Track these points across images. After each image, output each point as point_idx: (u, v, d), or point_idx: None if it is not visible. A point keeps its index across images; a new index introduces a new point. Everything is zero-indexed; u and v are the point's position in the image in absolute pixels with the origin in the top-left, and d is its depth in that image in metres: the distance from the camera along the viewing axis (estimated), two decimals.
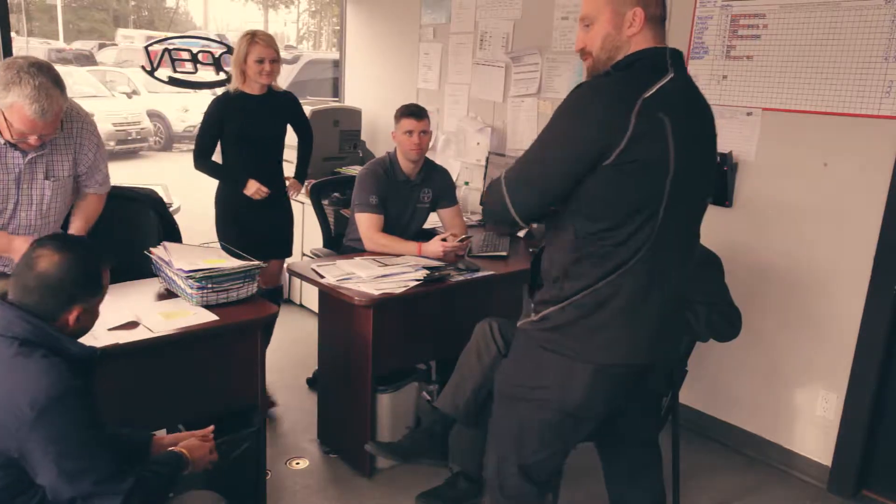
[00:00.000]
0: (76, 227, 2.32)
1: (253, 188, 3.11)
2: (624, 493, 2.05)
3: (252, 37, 3.03)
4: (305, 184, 3.50)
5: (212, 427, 1.85)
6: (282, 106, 3.20)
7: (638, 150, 1.46)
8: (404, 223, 3.19)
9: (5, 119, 2.00)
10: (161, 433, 1.88)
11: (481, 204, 3.81)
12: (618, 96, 1.50)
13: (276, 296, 3.44)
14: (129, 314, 2.13)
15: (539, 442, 1.73)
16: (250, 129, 3.09)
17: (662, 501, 2.08)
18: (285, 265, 3.22)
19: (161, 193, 3.84)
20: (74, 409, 1.43)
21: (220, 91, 3.43)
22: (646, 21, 1.55)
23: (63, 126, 2.19)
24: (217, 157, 3.21)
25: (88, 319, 1.61)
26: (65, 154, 2.25)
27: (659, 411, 2.23)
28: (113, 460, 1.47)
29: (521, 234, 3.50)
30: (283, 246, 3.34)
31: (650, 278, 1.58)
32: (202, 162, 3.13)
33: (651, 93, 1.47)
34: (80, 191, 2.39)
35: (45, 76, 1.97)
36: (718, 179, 2.96)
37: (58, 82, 2.01)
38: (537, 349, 1.67)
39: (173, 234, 2.85)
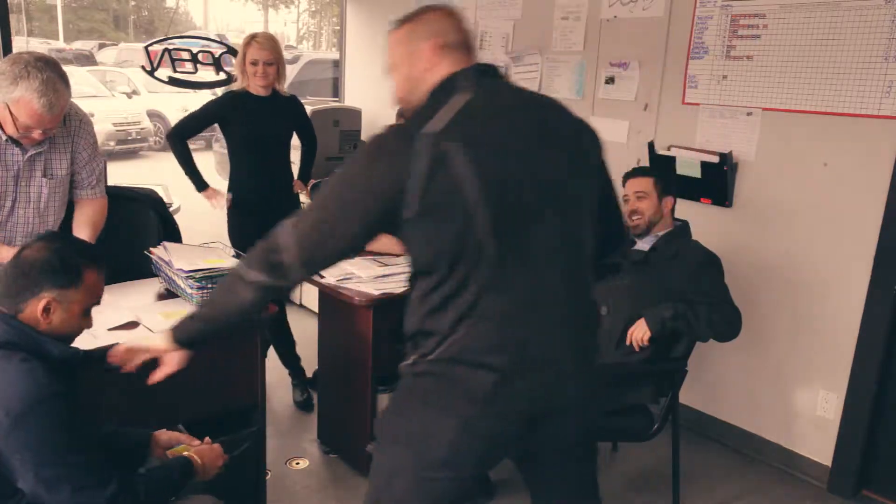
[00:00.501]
0: (84, 234, 2.29)
1: (212, 197, 3.15)
2: None
3: (251, 38, 3.05)
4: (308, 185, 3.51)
5: (206, 439, 1.81)
6: (284, 109, 3.20)
7: (432, 189, 1.29)
8: None
9: (11, 113, 1.99)
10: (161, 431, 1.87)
11: None
12: (396, 140, 1.36)
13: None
14: (130, 314, 2.13)
15: (407, 496, 1.48)
16: (252, 129, 3.09)
17: None
18: None
19: (161, 193, 3.85)
20: (52, 416, 1.40)
21: (220, 91, 3.44)
22: (439, 50, 1.48)
23: (63, 122, 2.19)
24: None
25: (60, 318, 1.51)
26: (63, 152, 2.25)
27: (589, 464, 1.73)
28: (94, 467, 1.44)
29: None
30: None
31: (514, 318, 1.37)
32: (178, 141, 3.13)
33: (430, 125, 1.32)
34: (77, 199, 2.36)
35: (51, 71, 1.98)
36: (718, 179, 2.97)
37: (63, 77, 2.02)
38: (408, 394, 1.49)
39: (173, 234, 2.85)
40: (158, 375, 1.65)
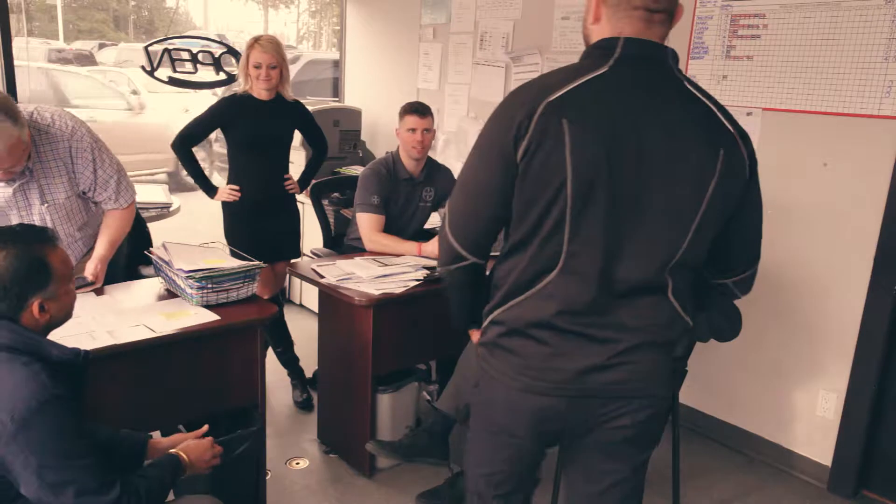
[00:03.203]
0: (102, 248, 2.29)
1: (224, 195, 3.14)
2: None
3: (254, 41, 3.02)
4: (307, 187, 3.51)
5: (206, 427, 1.82)
6: (288, 113, 3.19)
7: (533, 157, 1.33)
8: (405, 222, 3.19)
9: None
10: (156, 435, 1.86)
11: None
12: (524, 99, 1.36)
13: (277, 296, 3.45)
14: (131, 315, 2.13)
15: (481, 454, 1.62)
16: (254, 133, 3.08)
17: None
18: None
19: (161, 193, 3.85)
20: (56, 420, 1.40)
21: (220, 91, 3.44)
22: (606, 9, 1.39)
23: (44, 148, 2.15)
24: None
25: (57, 307, 1.53)
26: (57, 176, 2.21)
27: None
28: (97, 471, 1.43)
29: None
30: (292, 248, 3.35)
31: (569, 302, 1.38)
32: (184, 148, 3.11)
33: (557, 95, 1.33)
34: (104, 211, 2.37)
35: None
36: None
37: (9, 113, 1.95)
38: (479, 360, 1.56)
39: (142, 237, 2.85)
40: None
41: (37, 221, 2.22)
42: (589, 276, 1.36)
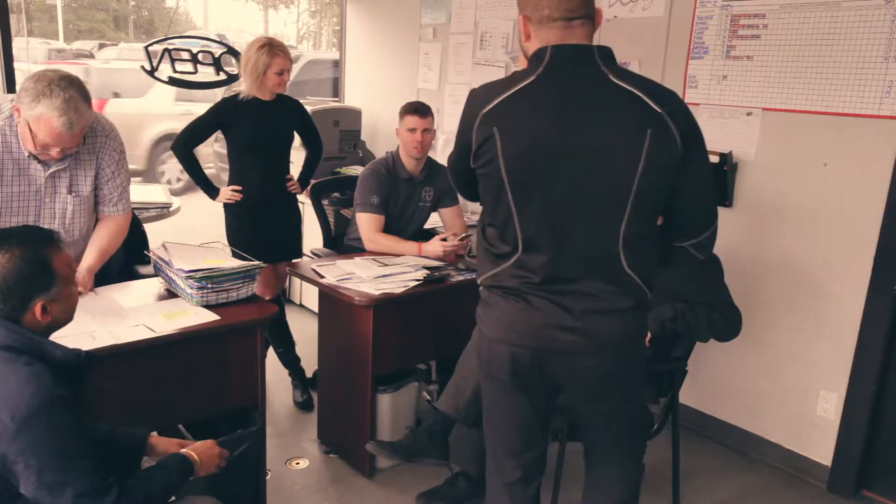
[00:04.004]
0: (90, 257, 2.27)
1: (226, 195, 3.13)
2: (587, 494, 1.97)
3: (271, 48, 3.00)
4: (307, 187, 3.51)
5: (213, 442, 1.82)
6: (288, 113, 3.20)
7: (481, 161, 1.61)
8: (405, 222, 3.19)
9: (30, 130, 2.00)
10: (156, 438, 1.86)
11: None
12: (469, 110, 1.63)
13: (279, 296, 3.45)
14: (132, 316, 2.14)
15: (494, 411, 1.84)
16: (256, 133, 3.08)
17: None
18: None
19: (161, 193, 3.86)
20: (56, 421, 1.40)
21: (220, 91, 3.43)
22: (534, 26, 1.61)
23: (86, 140, 2.18)
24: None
25: (59, 309, 1.54)
26: (87, 168, 2.24)
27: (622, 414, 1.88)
28: (96, 472, 1.43)
29: None
30: (293, 248, 3.35)
31: (528, 275, 1.63)
32: (185, 150, 3.10)
33: (491, 106, 1.58)
34: (99, 215, 2.35)
35: (74, 90, 1.98)
36: (718, 179, 2.97)
37: (86, 97, 2.02)
38: (477, 325, 1.82)
39: (138, 236, 2.84)
40: None
41: (58, 212, 2.21)
42: (546, 254, 1.60)
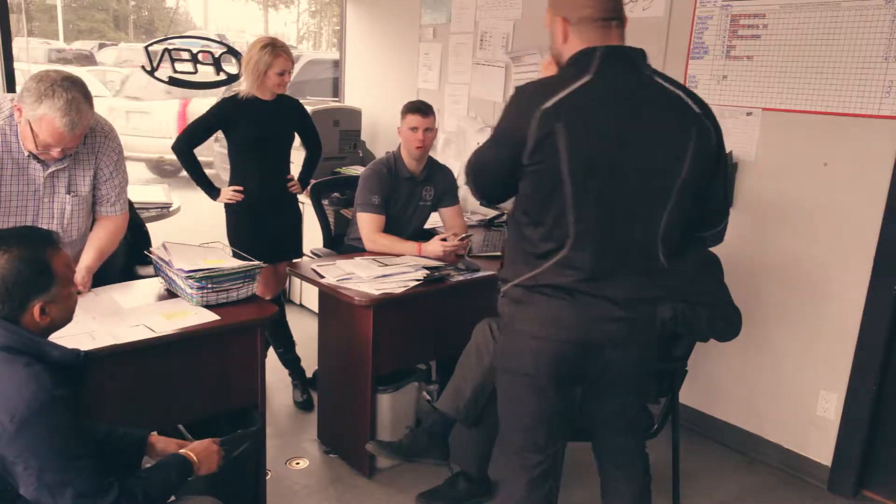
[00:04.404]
0: (88, 257, 2.26)
1: (227, 195, 3.13)
2: (607, 479, 2.04)
3: (274, 48, 2.99)
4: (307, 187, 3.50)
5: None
6: (289, 113, 3.20)
7: (537, 158, 1.60)
8: (405, 221, 3.19)
9: (32, 130, 2.00)
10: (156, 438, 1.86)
11: (482, 204, 3.82)
12: (523, 107, 1.62)
13: (279, 296, 3.45)
14: (132, 316, 2.14)
15: (518, 410, 1.85)
16: (257, 132, 3.08)
17: (644, 490, 2.06)
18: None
19: (161, 193, 3.85)
20: (56, 421, 1.40)
21: (219, 91, 3.42)
22: (573, 27, 1.65)
23: (85, 140, 2.18)
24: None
25: (58, 310, 1.54)
26: (86, 168, 2.24)
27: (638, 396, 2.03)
28: (95, 473, 1.43)
29: None
30: (294, 248, 3.35)
31: (576, 271, 1.66)
32: (186, 150, 3.10)
33: (550, 103, 1.58)
34: (96, 215, 2.35)
35: (77, 91, 1.98)
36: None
37: (88, 98, 2.03)
38: (503, 323, 1.84)
39: (141, 237, 2.84)
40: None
41: (56, 211, 2.21)
42: (593, 249, 1.64)
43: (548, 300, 1.70)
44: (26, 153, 2.10)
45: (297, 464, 2.86)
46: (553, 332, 1.71)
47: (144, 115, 8.64)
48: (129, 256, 2.71)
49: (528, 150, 1.60)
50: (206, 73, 4.30)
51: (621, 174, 1.62)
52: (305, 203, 3.61)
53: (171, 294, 2.34)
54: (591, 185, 1.60)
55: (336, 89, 5.29)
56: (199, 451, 1.71)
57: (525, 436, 1.85)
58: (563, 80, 1.62)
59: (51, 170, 2.15)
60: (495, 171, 1.72)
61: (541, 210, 1.66)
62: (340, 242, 3.45)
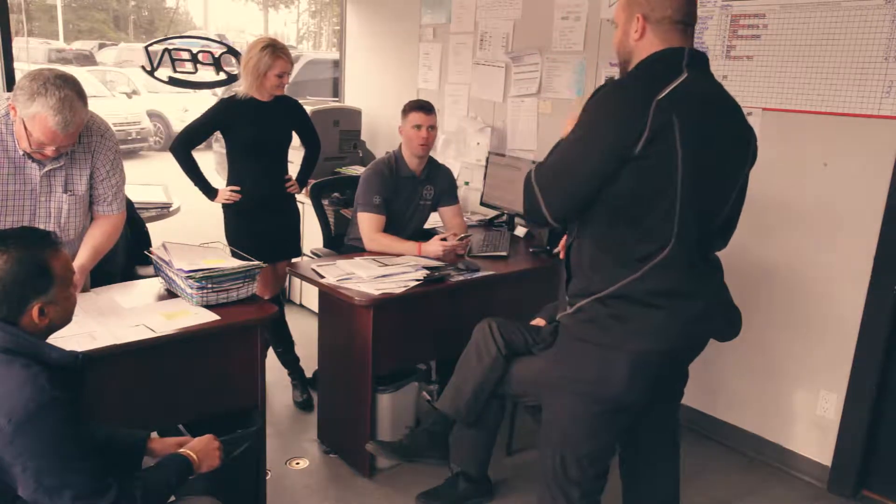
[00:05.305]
0: (83, 257, 2.25)
1: (225, 196, 3.13)
2: (637, 475, 2.06)
3: (274, 50, 2.99)
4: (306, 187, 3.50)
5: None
6: (288, 114, 3.20)
7: (652, 150, 1.56)
8: (405, 220, 3.19)
9: (25, 128, 2.00)
10: (154, 435, 1.85)
11: (482, 204, 3.82)
12: (637, 97, 1.59)
13: (278, 296, 3.45)
14: (131, 315, 2.13)
15: (587, 433, 1.81)
16: (256, 133, 3.08)
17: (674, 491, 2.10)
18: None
19: (161, 194, 3.85)
20: (54, 423, 1.39)
21: (219, 91, 3.42)
22: (651, 25, 1.66)
23: (81, 139, 2.18)
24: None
25: (57, 312, 1.53)
26: (82, 167, 2.23)
27: (678, 396, 2.14)
28: (94, 473, 1.43)
29: (522, 233, 3.50)
30: (293, 247, 3.35)
31: (675, 271, 1.66)
32: (184, 151, 3.10)
33: (664, 94, 1.56)
34: (93, 214, 2.34)
35: (70, 89, 1.97)
36: None
37: (81, 96, 2.01)
38: (575, 341, 1.76)
39: (141, 238, 2.83)
40: None
41: (53, 211, 2.21)
42: (692, 247, 1.67)
43: (646, 309, 1.65)
44: (22, 153, 2.10)
45: (297, 464, 2.86)
46: (660, 343, 1.68)
47: None
48: (129, 256, 2.71)
49: (644, 139, 1.54)
50: (206, 73, 4.30)
51: (711, 174, 1.66)
52: (305, 203, 3.61)
53: (171, 294, 2.34)
54: (694, 180, 1.60)
55: (336, 89, 5.29)
56: (199, 448, 1.71)
57: (590, 459, 1.82)
58: (662, 75, 1.62)
59: (47, 169, 2.15)
60: (591, 169, 1.61)
61: (645, 207, 1.61)
62: (340, 242, 3.45)
